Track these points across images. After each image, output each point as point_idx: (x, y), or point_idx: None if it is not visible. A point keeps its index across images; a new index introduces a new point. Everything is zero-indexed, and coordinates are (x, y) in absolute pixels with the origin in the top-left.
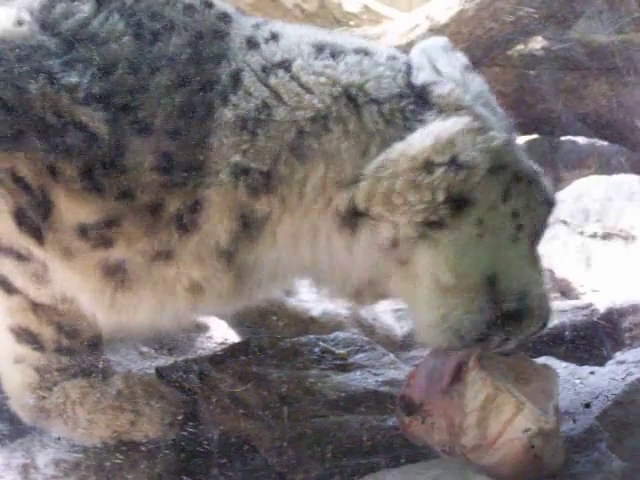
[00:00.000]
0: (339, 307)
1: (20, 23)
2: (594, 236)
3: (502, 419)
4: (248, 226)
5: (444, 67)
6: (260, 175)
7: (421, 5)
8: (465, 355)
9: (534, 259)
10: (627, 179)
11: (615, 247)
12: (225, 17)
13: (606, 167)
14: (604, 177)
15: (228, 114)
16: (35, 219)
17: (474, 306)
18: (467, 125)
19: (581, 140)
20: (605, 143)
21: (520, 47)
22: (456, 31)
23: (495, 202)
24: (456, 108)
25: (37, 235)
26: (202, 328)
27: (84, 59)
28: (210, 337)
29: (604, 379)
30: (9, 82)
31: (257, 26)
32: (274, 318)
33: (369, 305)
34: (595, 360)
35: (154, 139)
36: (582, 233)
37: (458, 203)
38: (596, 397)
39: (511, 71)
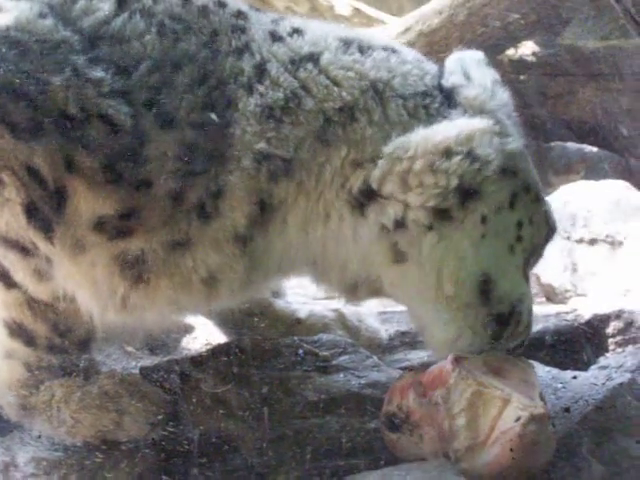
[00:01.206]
0: (325, 309)
1: (43, 16)
2: (580, 241)
3: (491, 414)
4: (265, 211)
5: (476, 75)
6: (282, 161)
7: (412, 9)
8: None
9: (525, 276)
10: (614, 185)
11: (601, 252)
12: (240, 14)
13: (594, 172)
14: (591, 182)
15: (254, 103)
16: (46, 213)
17: (480, 308)
18: (488, 126)
19: (570, 146)
20: (594, 149)
21: (511, 52)
22: (446, 35)
23: (502, 205)
24: (480, 111)
25: (46, 229)
26: (187, 329)
27: (107, 56)
28: (195, 338)
29: (585, 384)
30: (32, 75)
31: (276, 21)
32: (256, 319)
33: (362, 301)
34: (577, 365)
35: (178, 131)
36: (569, 238)
37: (467, 193)
38: (576, 402)
39: (501, 76)
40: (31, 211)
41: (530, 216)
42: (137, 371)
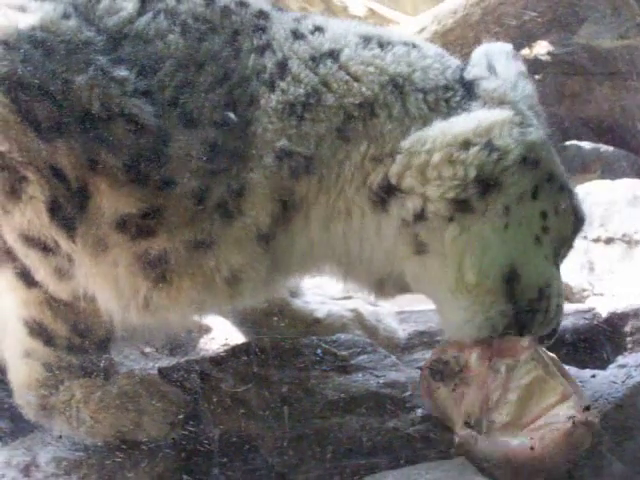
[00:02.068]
0: (343, 309)
1: (67, 17)
2: (597, 240)
3: (545, 403)
4: (286, 209)
5: (500, 67)
6: (303, 158)
7: (426, 8)
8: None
9: (556, 268)
10: (631, 184)
11: (618, 251)
12: (262, 14)
13: (610, 171)
14: (608, 181)
15: (275, 100)
16: (69, 211)
17: (502, 299)
18: (508, 117)
19: (586, 145)
20: (610, 148)
21: (526, 52)
22: (461, 35)
23: (524, 195)
24: (500, 102)
25: (68, 228)
26: (205, 329)
27: (131, 56)
28: (213, 338)
29: (605, 382)
30: (57, 74)
31: (298, 20)
32: (275, 319)
33: (391, 297)
34: (596, 363)
35: (201, 130)
36: (585, 237)
37: (487, 184)
38: (596, 400)
39: None
40: (54, 209)
41: (555, 206)
42: (155, 371)
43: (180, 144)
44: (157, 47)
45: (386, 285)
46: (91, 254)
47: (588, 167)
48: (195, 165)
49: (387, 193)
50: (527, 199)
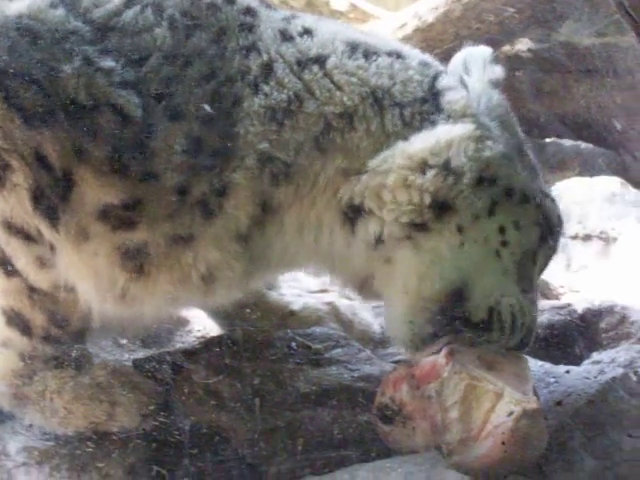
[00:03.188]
0: (319, 302)
1: (54, 6)
2: (575, 237)
3: (484, 408)
4: (265, 213)
5: (472, 76)
6: (283, 164)
7: (408, 4)
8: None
9: (525, 280)
10: (609, 181)
11: (595, 249)
12: (250, 11)
13: (589, 169)
14: (586, 179)
15: (258, 103)
16: (52, 200)
17: (437, 314)
18: (468, 132)
19: (565, 142)
20: (589, 145)
21: (506, 48)
22: (442, 31)
23: (479, 213)
24: (462, 115)
25: (51, 216)
26: (181, 322)
27: (118, 47)
28: (189, 331)
29: (578, 378)
30: (44, 62)
31: (287, 19)
32: (248, 311)
33: (373, 300)
34: (570, 359)
35: (186, 124)
36: (563, 234)
37: (441, 208)
38: (569, 395)
39: None
40: (38, 197)
41: (515, 220)
42: (130, 363)
43: (164, 137)
44: (144, 40)
45: (364, 288)
46: (73, 243)
47: (567, 164)
48: (178, 159)
49: (354, 213)
50: (483, 216)
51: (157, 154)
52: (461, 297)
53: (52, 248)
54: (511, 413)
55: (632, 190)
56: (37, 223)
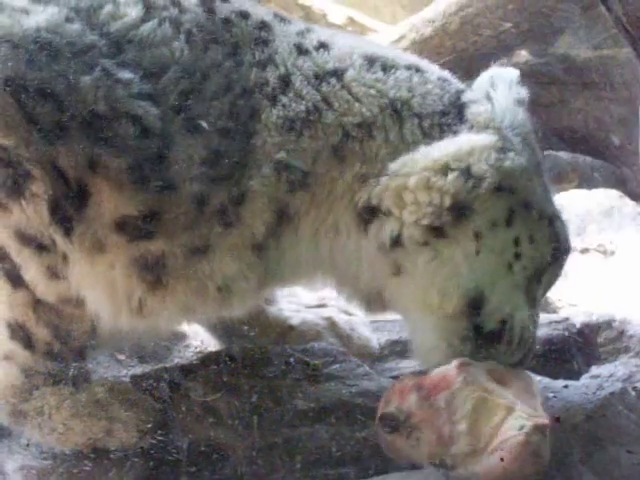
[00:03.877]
0: (317, 317)
1: (71, 20)
2: (573, 250)
3: (494, 422)
4: (282, 220)
5: (498, 93)
6: (300, 173)
7: (405, 17)
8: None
9: (530, 297)
10: (607, 194)
11: (593, 261)
12: (264, 26)
13: (587, 181)
14: (584, 191)
15: (276, 114)
16: (69, 210)
17: (465, 325)
18: (490, 142)
19: (564, 155)
20: (588, 158)
21: (503, 61)
22: (439, 44)
23: (496, 222)
24: (485, 127)
25: (67, 227)
26: (179, 337)
27: (135, 60)
28: (187, 346)
29: (577, 393)
30: (61, 75)
31: (302, 34)
32: (246, 327)
33: (379, 313)
34: (569, 374)
35: (204, 136)
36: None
37: (460, 211)
38: (567, 411)
39: None
40: (55, 207)
41: (530, 234)
42: (128, 379)
43: (183, 149)
44: (162, 53)
45: (372, 301)
46: (88, 255)
47: (565, 177)
48: (197, 170)
49: (370, 214)
50: (501, 225)
51: (175, 165)
52: (477, 307)
53: (65, 259)
54: (522, 427)
55: (630, 203)
56: (52, 233)
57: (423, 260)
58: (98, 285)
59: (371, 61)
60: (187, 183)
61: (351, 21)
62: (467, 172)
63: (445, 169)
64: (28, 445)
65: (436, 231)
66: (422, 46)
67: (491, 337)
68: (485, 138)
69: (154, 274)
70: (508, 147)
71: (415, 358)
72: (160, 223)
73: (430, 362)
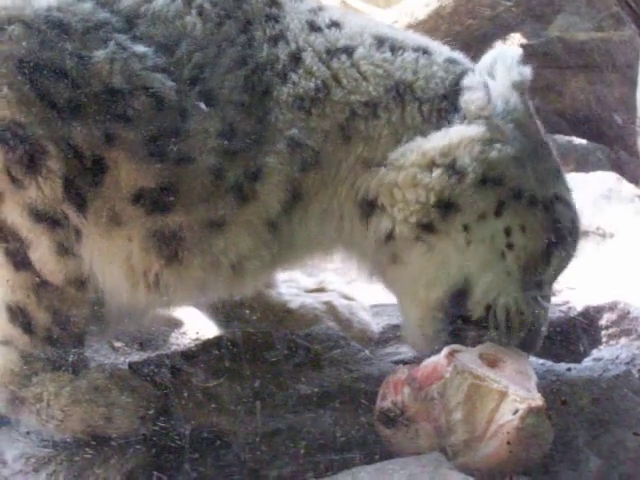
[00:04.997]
0: (316, 302)
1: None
2: None
3: (488, 408)
4: (294, 199)
5: (497, 76)
6: (311, 151)
7: (399, 1)
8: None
9: (532, 281)
10: (605, 177)
11: (592, 245)
12: (274, 3)
13: (585, 165)
14: (581, 174)
15: (287, 92)
16: (84, 186)
17: (446, 319)
18: (477, 134)
19: (560, 138)
20: (584, 141)
21: (499, 44)
22: (434, 28)
23: (485, 214)
24: (476, 116)
25: (81, 203)
26: (176, 323)
27: (148, 34)
28: (184, 332)
29: (580, 376)
30: (74, 52)
31: (314, 11)
32: (247, 311)
33: None
34: (571, 357)
35: (219, 108)
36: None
37: (447, 207)
38: (573, 394)
39: None
40: (70, 183)
41: (522, 223)
42: (126, 366)
43: (199, 121)
44: (175, 27)
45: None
46: (104, 229)
47: (563, 160)
48: (213, 142)
49: (369, 207)
50: (490, 216)
51: (192, 137)
52: (464, 297)
53: (78, 234)
54: (516, 411)
55: (628, 185)
56: (65, 208)
57: (416, 253)
58: (115, 259)
59: (381, 41)
60: (204, 155)
61: (344, 5)
62: (452, 167)
63: (431, 165)
64: (28, 433)
65: (426, 227)
66: (416, 30)
67: (480, 323)
68: (472, 130)
69: (171, 248)
70: (496, 138)
71: (407, 342)
72: (177, 196)
73: (416, 347)
